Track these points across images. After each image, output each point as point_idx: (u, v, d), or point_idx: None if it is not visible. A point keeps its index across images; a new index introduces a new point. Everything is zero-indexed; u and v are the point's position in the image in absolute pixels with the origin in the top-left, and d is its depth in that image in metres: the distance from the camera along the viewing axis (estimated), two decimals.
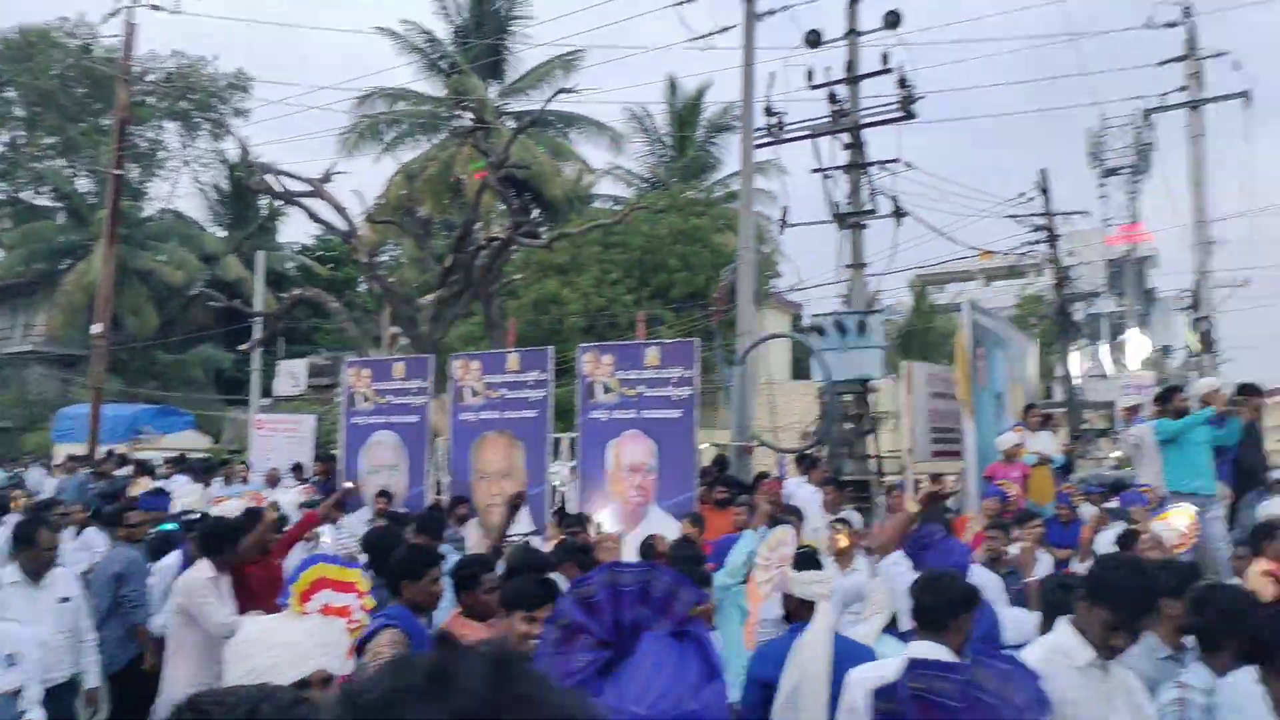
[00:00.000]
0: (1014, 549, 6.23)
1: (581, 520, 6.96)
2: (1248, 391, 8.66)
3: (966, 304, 9.85)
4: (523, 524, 8.47)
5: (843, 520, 6.21)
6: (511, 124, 22.33)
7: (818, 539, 6.82)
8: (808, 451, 9.49)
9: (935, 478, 8.25)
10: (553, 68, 25.47)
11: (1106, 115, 29.38)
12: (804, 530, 7.03)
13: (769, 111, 12.73)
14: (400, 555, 3.74)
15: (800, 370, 24.52)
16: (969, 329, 9.41)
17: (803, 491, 8.20)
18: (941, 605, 2.74)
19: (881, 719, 1.17)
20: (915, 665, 1.21)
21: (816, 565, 3.51)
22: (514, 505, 6.16)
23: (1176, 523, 5.26)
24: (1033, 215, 19.93)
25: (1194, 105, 17.08)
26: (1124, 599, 2.63)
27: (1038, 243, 20.42)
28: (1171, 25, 17.40)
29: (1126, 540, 6.17)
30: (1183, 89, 17.38)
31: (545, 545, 6.48)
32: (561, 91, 16.44)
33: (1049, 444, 8.97)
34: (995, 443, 8.79)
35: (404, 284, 23.49)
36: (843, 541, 5.36)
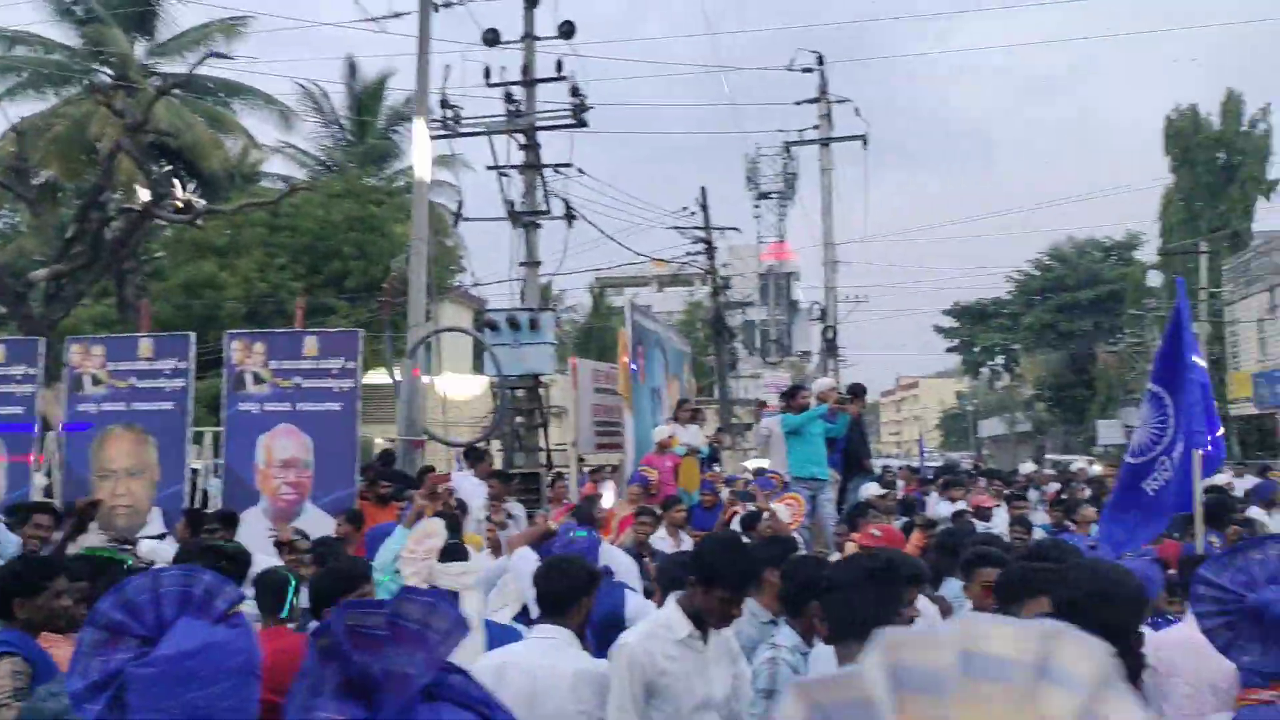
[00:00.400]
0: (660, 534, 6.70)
1: (225, 519, 6.41)
2: (855, 391, 10.06)
3: (628, 305, 10.44)
4: (155, 525, 7.64)
5: (502, 515, 6.27)
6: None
7: (481, 531, 6.86)
8: (476, 445, 9.51)
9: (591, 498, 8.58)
10: (213, 31, 23.18)
11: (759, 144, 32.57)
12: (468, 523, 7.03)
13: (445, 104, 12.62)
14: (12, 568, 3.23)
15: (481, 365, 24.54)
16: (630, 329, 9.98)
17: (467, 484, 8.18)
18: (562, 589, 2.88)
19: (320, 655, 1.24)
20: (346, 605, 1.32)
21: (463, 556, 3.51)
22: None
23: (781, 510, 5.97)
24: (694, 228, 21.62)
25: (824, 142, 19.52)
26: (727, 575, 2.89)
27: (698, 254, 22.18)
28: (808, 70, 19.75)
29: (751, 520, 6.90)
30: (815, 127, 19.80)
31: (173, 548, 5.87)
32: (214, 55, 15.01)
33: (697, 436, 9.77)
34: (651, 434, 9.40)
35: (23, 255, 20.16)
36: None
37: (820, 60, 20.07)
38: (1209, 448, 5.22)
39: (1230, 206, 33.96)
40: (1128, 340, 36.45)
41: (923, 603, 4.36)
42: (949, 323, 48.77)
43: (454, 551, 3.37)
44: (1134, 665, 2.40)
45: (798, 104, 20.76)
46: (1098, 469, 14.06)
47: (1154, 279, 38.72)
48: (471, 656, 3.08)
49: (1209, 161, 35.17)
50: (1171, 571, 4.83)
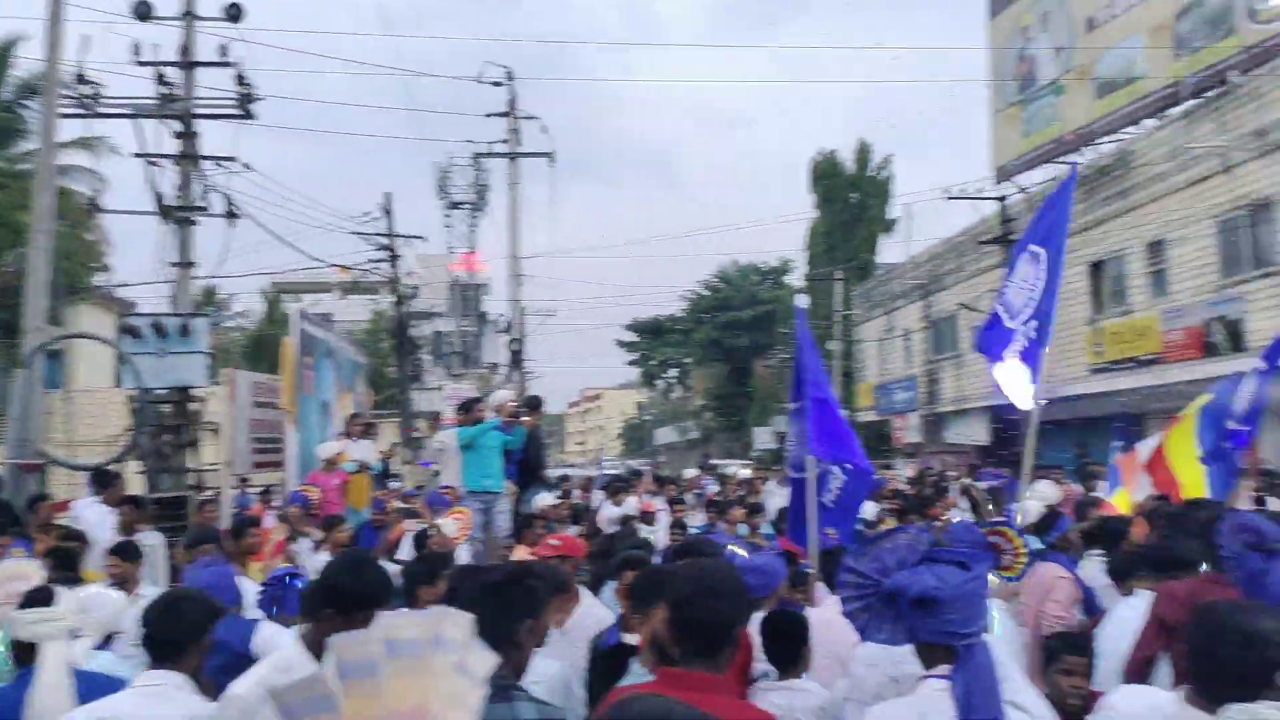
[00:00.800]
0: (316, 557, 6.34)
1: None
2: (531, 404, 10.26)
3: (295, 313, 9.82)
4: None
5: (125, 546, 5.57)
6: None
7: (104, 566, 6.05)
8: (105, 468, 8.39)
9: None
10: None
11: (452, 153, 32.23)
12: (91, 556, 6.19)
13: (82, 79, 11.10)
14: None
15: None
16: (297, 338, 9.38)
17: (92, 513, 7.20)
18: (173, 633, 2.61)
19: None
20: None
21: (48, 601, 3.05)
22: None
23: (447, 525, 5.96)
24: (378, 235, 20.89)
25: (512, 156, 19.81)
26: (361, 597, 2.76)
27: (382, 261, 21.45)
28: (498, 84, 19.94)
29: (421, 538, 6.76)
30: (504, 141, 20.04)
31: None
32: None
33: (369, 451, 9.40)
34: (315, 451, 8.88)
35: None
36: None
37: (510, 76, 20.34)
38: (825, 460, 5.78)
39: (860, 241, 39.28)
40: (780, 356, 40.71)
41: (593, 606, 4.53)
42: (631, 337, 51.50)
43: (39, 596, 2.91)
44: (735, 653, 2.62)
45: (487, 116, 20.88)
46: (746, 473, 15.59)
47: (801, 302, 43.44)
48: (59, 712, 2.70)
49: (844, 200, 40.45)
50: (804, 563, 5.41)
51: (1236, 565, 3.03)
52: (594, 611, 4.49)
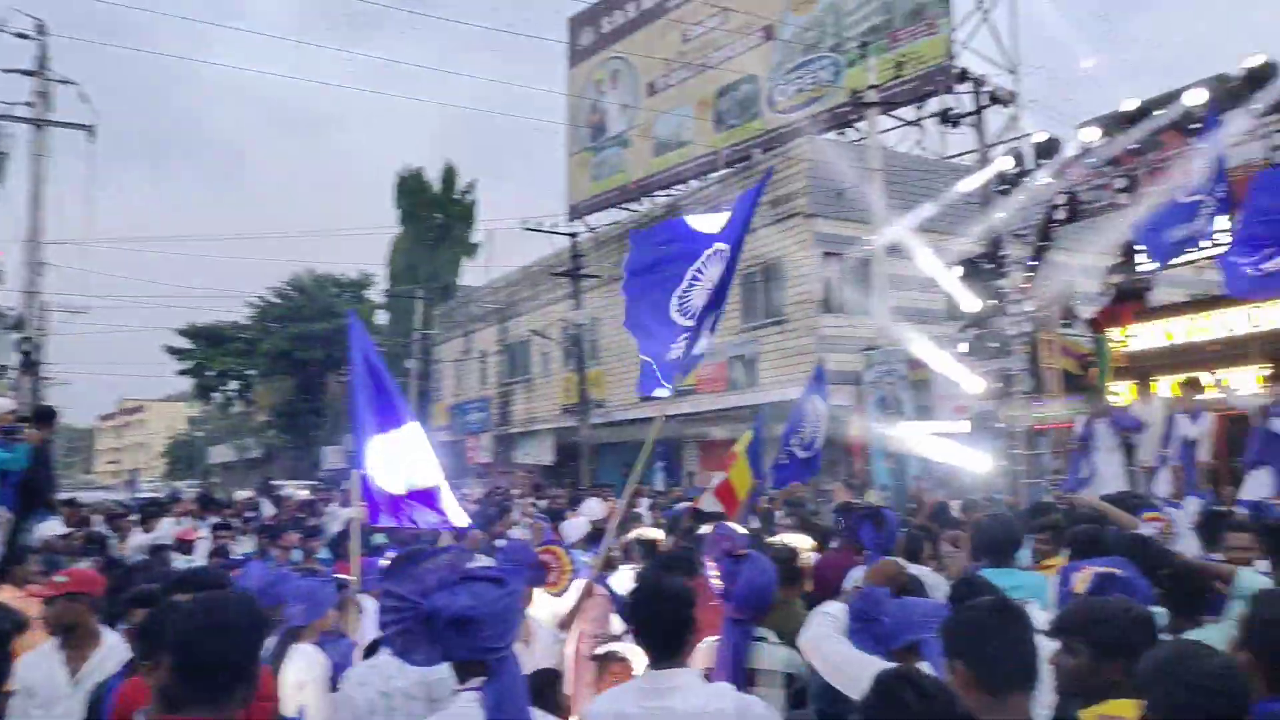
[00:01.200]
0: None
1: None
2: (41, 415, 8.74)
3: None
4: None
5: None
6: None
7: None
8: None
9: None
10: None
11: None
12: None
13: None
14: None
15: None
16: None
17: None
18: None
19: None
20: None
21: None
22: None
23: None
24: None
25: (39, 124, 16.84)
26: None
27: None
28: (24, 37, 16.87)
29: None
30: (30, 105, 16.98)
31: None
32: None
33: None
34: None
35: None
36: None
37: (41, 29, 17.27)
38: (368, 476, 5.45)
39: (443, 262, 39.65)
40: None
41: (115, 649, 3.99)
42: (184, 343, 46.16)
43: None
44: (250, 693, 2.48)
45: (7, 72, 17.54)
46: (306, 494, 14.86)
47: (381, 317, 42.72)
48: None
49: (429, 220, 40.60)
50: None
51: (716, 567, 3.58)
52: (116, 655, 4.00)
